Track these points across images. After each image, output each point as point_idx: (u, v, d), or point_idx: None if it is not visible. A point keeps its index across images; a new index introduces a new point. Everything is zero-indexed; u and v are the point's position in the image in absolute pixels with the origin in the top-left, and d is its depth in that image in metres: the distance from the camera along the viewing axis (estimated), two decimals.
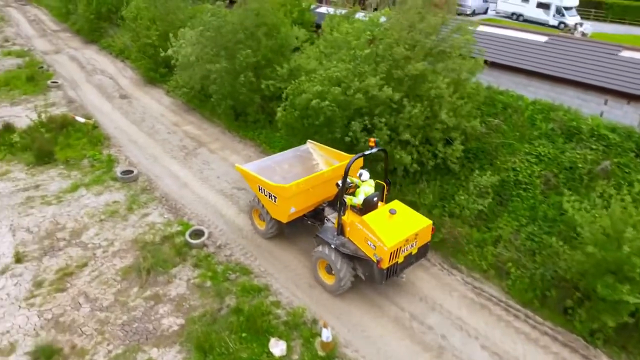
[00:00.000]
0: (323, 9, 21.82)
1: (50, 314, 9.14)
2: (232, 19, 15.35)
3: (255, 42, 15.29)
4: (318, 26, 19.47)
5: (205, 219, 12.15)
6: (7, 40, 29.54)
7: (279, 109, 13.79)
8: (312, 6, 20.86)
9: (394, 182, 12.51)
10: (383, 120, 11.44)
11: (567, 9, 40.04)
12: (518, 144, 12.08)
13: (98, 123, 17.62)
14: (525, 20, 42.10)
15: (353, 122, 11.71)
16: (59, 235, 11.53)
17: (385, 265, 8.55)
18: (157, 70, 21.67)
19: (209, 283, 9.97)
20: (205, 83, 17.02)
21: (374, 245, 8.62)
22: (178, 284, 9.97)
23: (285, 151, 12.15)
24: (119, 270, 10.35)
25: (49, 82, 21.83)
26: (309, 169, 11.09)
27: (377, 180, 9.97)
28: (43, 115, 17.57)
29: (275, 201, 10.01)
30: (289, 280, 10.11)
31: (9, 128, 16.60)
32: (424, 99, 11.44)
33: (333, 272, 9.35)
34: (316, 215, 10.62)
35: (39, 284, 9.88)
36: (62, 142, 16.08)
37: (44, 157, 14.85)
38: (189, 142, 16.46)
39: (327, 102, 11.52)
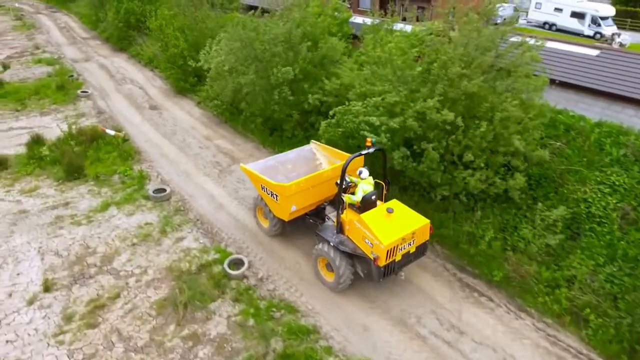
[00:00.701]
0: (359, 19, 20.98)
1: (81, 354, 8.38)
2: (271, 30, 14.55)
3: (293, 55, 14.45)
4: (354, 37, 18.67)
5: (244, 246, 11.30)
6: (37, 48, 29.47)
7: (323, 123, 12.97)
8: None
9: (445, 209, 11.53)
10: (432, 145, 10.50)
11: (603, 18, 38.47)
12: (586, 171, 10.95)
13: (128, 136, 17.02)
14: (559, 30, 40.64)
15: (396, 152, 10.82)
16: (89, 260, 10.83)
17: (382, 263, 8.66)
18: (186, 80, 21.08)
19: (251, 321, 9.09)
20: (237, 97, 16.30)
21: (371, 243, 8.75)
22: (218, 322, 9.12)
23: (289, 151, 12.21)
24: (154, 303, 9.56)
25: (78, 91, 21.44)
26: (312, 168, 11.13)
27: (377, 180, 10.00)
28: (73, 127, 17.11)
29: (277, 200, 10.22)
30: (341, 321, 9.16)
31: (38, 140, 16.11)
32: (482, 119, 10.45)
33: (333, 269, 9.51)
34: (318, 213, 10.78)
35: (69, 318, 9.14)
36: (92, 155, 15.51)
37: (73, 173, 14.26)
38: (222, 157, 15.70)
39: (382, 135, 10.64)
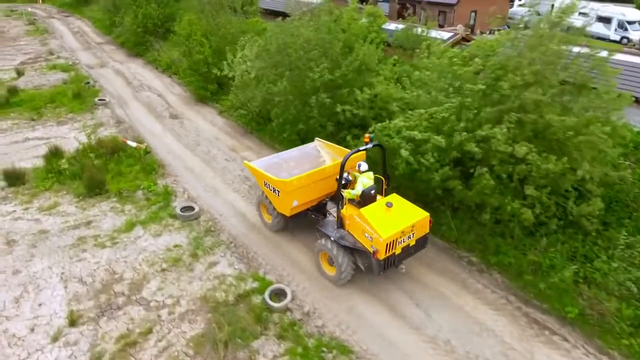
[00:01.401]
0: (392, 26, 20.09)
1: None
2: (306, 34, 13.62)
3: (330, 61, 13.51)
4: (387, 44, 17.77)
5: (284, 273, 10.35)
6: (51, 53, 28.80)
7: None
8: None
9: (501, 233, 10.53)
10: (485, 169, 9.54)
11: (630, 22, 37.31)
12: None
13: (150, 147, 16.15)
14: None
15: (440, 171, 9.89)
16: (116, 288, 9.92)
17: (381, 256, 8.72)
18: (208, 88, 20.23)
19: None
20: (267, 106, 15.40)
21: (370, 237, 8.80)
22: None
23: (292, 149, 12.38)
24: (190, 340, 8.62)
25: (96, 99, 20.65)
26: (315, 166, 11.11)
27: (376, 175, 10.06)
28: (92, 138, 16.29)
29: (278, 195, 10.36)
30: None
31: (56, 152, 15.27)
32: (552, 143, 9.49)
33: (334, 264, 9.55)
34: (319, 209, 10.85)
35: (97, 358, 8.22)
36: (113, 169, 14.66)
37: (95, 188, 13.40)
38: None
39: (428, 156, 9.72)
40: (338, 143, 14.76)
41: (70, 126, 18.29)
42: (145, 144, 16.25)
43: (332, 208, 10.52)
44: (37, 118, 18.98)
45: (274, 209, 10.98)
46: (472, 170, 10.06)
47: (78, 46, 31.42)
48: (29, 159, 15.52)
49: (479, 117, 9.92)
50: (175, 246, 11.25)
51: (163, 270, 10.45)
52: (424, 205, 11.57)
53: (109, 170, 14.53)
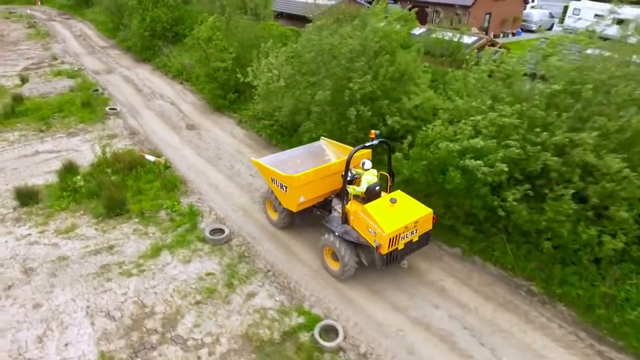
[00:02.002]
0: (415, 30, 19.31)
1: None
2: (350, 41, 12.78)
3: (372, 70, 12.67)
4: None
5: (331, 307, 9.50)
6: (55, 58, 27.80)
7: (397, 154, 11.28)
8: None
9: (561, 259, 9.74)
10: (569, 190, 8.76)
11: None
12: None
13: (170, 162, 15.25)
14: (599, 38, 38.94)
15: (512, 190, 9.12)
16: (148, 324, 9.04)
17: (384, 250, 8.89)
18: (225, 97, 19.35)
19: None
20: (298, 118, 14.56)
21: (374, 232, 8.99)
22: None
23: (299, 147, 12.58)
24: None
25: (106, 108, 19.71)
26: (320, 163, 11.28)
27: (381, 172, 10.28)
28: (107, 150, 15.39)
29: (286, 191, 10.52)
30: None
31: (71, 168, 14.35)
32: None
33: (338, 258, 9.75)
34: (324, 206, 10.99)
35: None
36: (131, 186, 13.76)
37: (115, 208, 12.50)
38: None
39: (497, 165, 8.93)
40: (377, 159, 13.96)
41: (81, 138, 17.36)
42: (163, 158, 15.35)
43: (337, 204, 10.59)
44: (45, 129, 18.03)
45: (280, 204, 11.14)
46: (545, 190, 9.30)
47: (82, 50, 30.42)
48: (41, 174, 14.59)
49: (552, 126, 9.16)
50: (208, 274, 10.37)
51: (197, 302, 9.58)
52: (473, 227, 10.88)
53: (127, 187, 13.65)
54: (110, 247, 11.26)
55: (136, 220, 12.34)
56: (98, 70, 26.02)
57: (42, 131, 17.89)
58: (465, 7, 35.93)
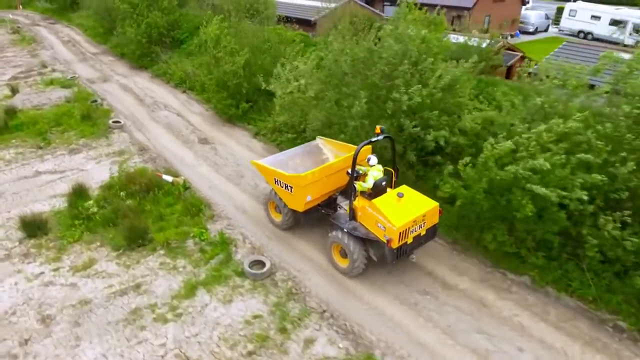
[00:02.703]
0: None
1: None
2: (390, 43, 11.67)
3: (414, 78, 11.59)
4: None
5: (404, 353, 8.38)
6: (44, 66, 26.04)
7: (445, 182, 10.25)
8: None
9: None
10: None
11: None
12: None
13: (189, 182, 13.92)
14: (595, 39, 38.68)
15: (608, 221, 8.18)
16: None
17: (395, 245, 9.01)
18: (238, 106, 18.05)
19: None
20: (328, 132, 13.39)
21: (383, 227, 9.07)
22: None
23: (296, 147, 12.61)
24: None
25: (109, 121, 18.21)
26: (319, 162, 11.34)
27: (386, 167, 10.33)
28: (116, 169, 14.03)
29: (291, 191, 10.45)
30: None
31: (81, 192, 12.92)
32: None
33: (347, 255, 9.81)
34: (329, 204, 10.97)
35: None
36: (150, 211, 12.42)
37: (136, 238, 11.17)
38: None
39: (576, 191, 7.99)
40: (421, 175, 12.89)
41: (85, 155, 15.87)
42: (182, 177, 14.01)
43: (342, 202, 10.59)
44: (44, 145, 16.48)
45: (285, 205, 11.05)
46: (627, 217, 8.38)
47: (72, 57, 28.66)
48: (45, 199, 13.14)
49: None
50: (255, 317, 9.15)
51: (250, 353, 8.36)
52: (543, 254, 9.93)
53: (146, 213, 12.30)
54: (138, 286, 9.94)
55: (162, 252, 11.02)
56: (93, 78, 24.39)
57: (40, 148, 16.34)
58: (466, 9, 35.30)
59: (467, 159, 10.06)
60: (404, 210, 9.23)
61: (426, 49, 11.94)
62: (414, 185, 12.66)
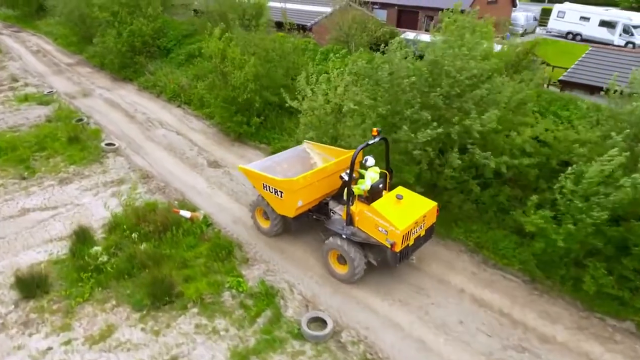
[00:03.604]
0: (412, 36, 17.09)
1: None
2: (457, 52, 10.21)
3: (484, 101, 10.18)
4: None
5: None
6: (15, 80, 23.36)
7: (532, 215, 8.87)
8: None
9: None
10: None
11: (635, 27, 36.67)
12: None
13: (209, 217, 12.03)
14: (584, 41, 38.53)
15: None
16: None
17: (398, 248, 8.77)
18: (249, 122, 16.20)
19: None
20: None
21: (385, 231, 8.85)
22: None
23: (283, 151, 12.39)
24: None
25: (102, 144, 16.00)
26: (307, 167, 11.29)
27: (381, 170, 10.04)
28: (123, 205, 12.04)
29: (281, 197, 10.16)
30: None
31: (84, 236, 10.84)
32: None
33: (345, 261, 9.52)
34: (320, 209, 10.68)
35: None
36: (171, 256, 10.50)
37: (162, 295, 9.24)
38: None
39: None
40: (487, 213, 11.48)
41: (78, 185, 13.70)
42: (201, 212, 12.11)
43: (334, 206, 10.38)
44: (28, 175, 14.19)
45: (273, 211, 10.74)
46: None
47: (45, 69, 25.97)
48: (40, 245, 11.02)
49: None
50: None
51: None
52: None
53: (166, 259, 10.36)
54: None
55: (195, 310, 9.14)
56: (72, 93, 21.91)
57: (24, 178, 14.05)
58: (460, 12, 34.37)
59: (567, 183, 8.60)
60: (404, 212, 9.05)
61: (490, 64, 10.53)
62: (473, 220, 11.36)
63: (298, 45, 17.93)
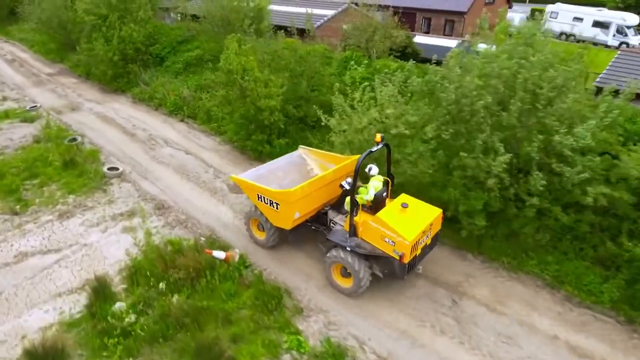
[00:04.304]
0: (421, 39, 15.83)
1: None
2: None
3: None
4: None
5: None
6: None
7: None
8: None
9: None
10: None
11: (629, 27, 36.55)
12: None
13: (247, 256, 10.38)
14: (578, 41, 38.30)
15: None
16: None
17: (407, 259, 8.38)
18: (271, 142, 14.56)
19: None
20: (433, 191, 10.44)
21: (392, 242, 8.42)
22: None
23: (277, 158, 11.65)
24: None
25: (104, 169, 14.09)
26: (304, 174, 10.91)
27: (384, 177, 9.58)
28: (144, 243, 10.30)
29: (277, 208, 9.57)
30: None
31: (104, 291, 9.03)
32: None
33: (349, 274, 9.03)
34: (318, 219, 10.26)
35: None
36: (209, 309, 8.81)
37: None
38: (441, 292, 9.59)
39: None
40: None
41: (81, 220, 11.83)
42: (236, 250, 10.44)
43: (336, 217, 9.93)
44: (21, 210, 12.23)
45: (267, 221, 10.13)
46: None
47: (23, 80, 23.64)
48: (46, 301, 9.20)
49: None
50: None
51: None
52: None
53: (204, 313, 8.68)
54: None
55: None
56: (59, 107, 19.78)
57: (16, 214, 12.08)
58: (460, 14, 33.49)
59: None
60: (411, 221, 8.63)
61: (573, 70, 9.26)
62: (547, 250, 10.08)
63: (322, 53, 16.32)
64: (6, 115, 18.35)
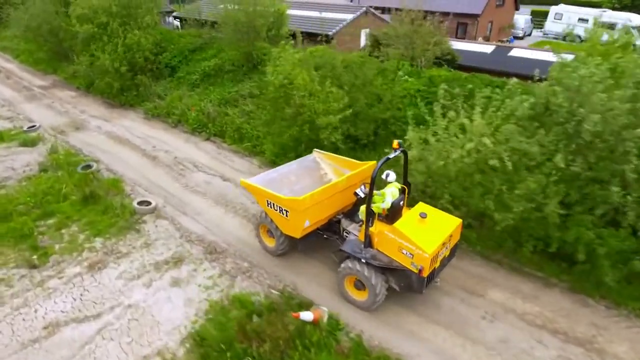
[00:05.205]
0: (461, 45, 14.25)
1: None
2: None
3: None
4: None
5: None
6: None
7: None
8: None
9: None
10: None
11: (635, 29, 35.97)
12: None
13: (337, 314, 8.42)
14: (583, 42, 37.61)
15: None
16: None
17: (427, 273, 7.84)
18: None
19: None
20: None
21: (410, 254, 7.92)
22: None
23: (290, 162, 10.95)
24: None
25: (134, 203, 11.90)
26: (317, 179, 10.42)
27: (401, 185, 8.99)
28: (203, 301, 8.28)
29: (287, 216, 9.03)
30: None
31: None
32: None
33: (363, 286, 8.51)
34: (330, 227, 9.77)
35: None
36: None
37: None
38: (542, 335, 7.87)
39: None
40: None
41: (118, 272, 9.67)
42: (323, 308, 8.46)
43: (349, 226, 9.43)
44: (40, 262, 9.97)
45: (277, 229, 9.60)
46: None
47: (14, 95, 21.09)
48: None
49: None
50: None
51: None
52: None
53: None
54: None
55: None
56: (60, 126, 17.41)
57: (35, 267, 9.84)
58: (474, 16, 32.16)
59: None
60: (430, 232, 8.13)
61: None
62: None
63: (377, 64, 14.37)
64: (1, 138, 15.91)
